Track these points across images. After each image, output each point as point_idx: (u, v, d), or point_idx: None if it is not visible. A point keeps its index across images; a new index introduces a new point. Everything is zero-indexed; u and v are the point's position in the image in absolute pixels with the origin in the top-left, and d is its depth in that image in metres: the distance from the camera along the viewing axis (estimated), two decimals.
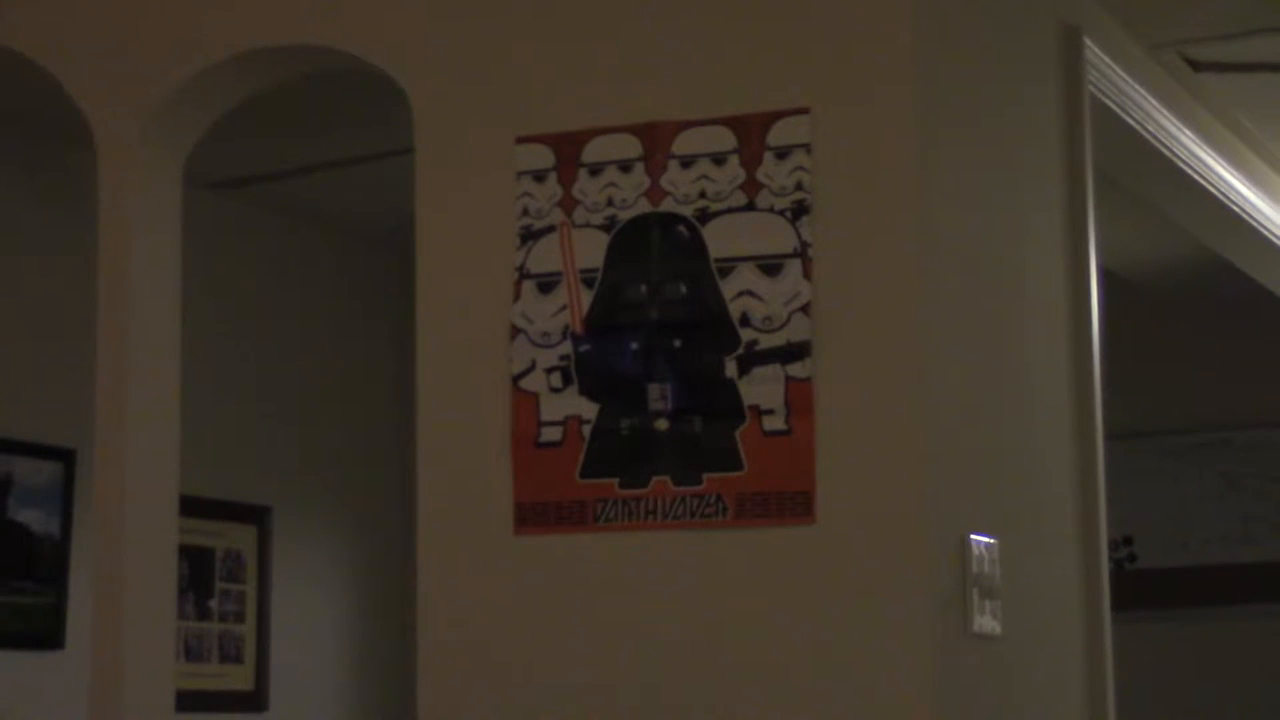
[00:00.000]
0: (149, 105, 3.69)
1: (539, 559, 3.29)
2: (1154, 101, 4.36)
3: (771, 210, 3.22)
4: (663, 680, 3.20)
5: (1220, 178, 4.85)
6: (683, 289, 3.25)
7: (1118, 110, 4.13)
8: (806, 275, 3.19)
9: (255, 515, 5.79)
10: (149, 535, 3.68)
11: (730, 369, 3.20)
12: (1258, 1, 4.28)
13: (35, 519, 5.12)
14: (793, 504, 3.15)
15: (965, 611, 3.21)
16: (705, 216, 3.25)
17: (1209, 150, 4.76)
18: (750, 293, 3.20)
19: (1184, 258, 6.08)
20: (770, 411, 3.18)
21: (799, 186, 3.21)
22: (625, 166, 3.31)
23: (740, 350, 3.20)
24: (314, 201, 5.86)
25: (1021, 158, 3.70)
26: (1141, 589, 6.73)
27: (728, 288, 3.22)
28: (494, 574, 3.32)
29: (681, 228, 3.26)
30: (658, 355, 3.24)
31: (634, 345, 3.26)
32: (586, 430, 3.27)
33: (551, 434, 3.29)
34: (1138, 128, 4.27)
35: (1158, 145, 4.41)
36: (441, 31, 3.48)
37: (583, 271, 3.31)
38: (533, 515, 3.29)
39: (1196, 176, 4.69)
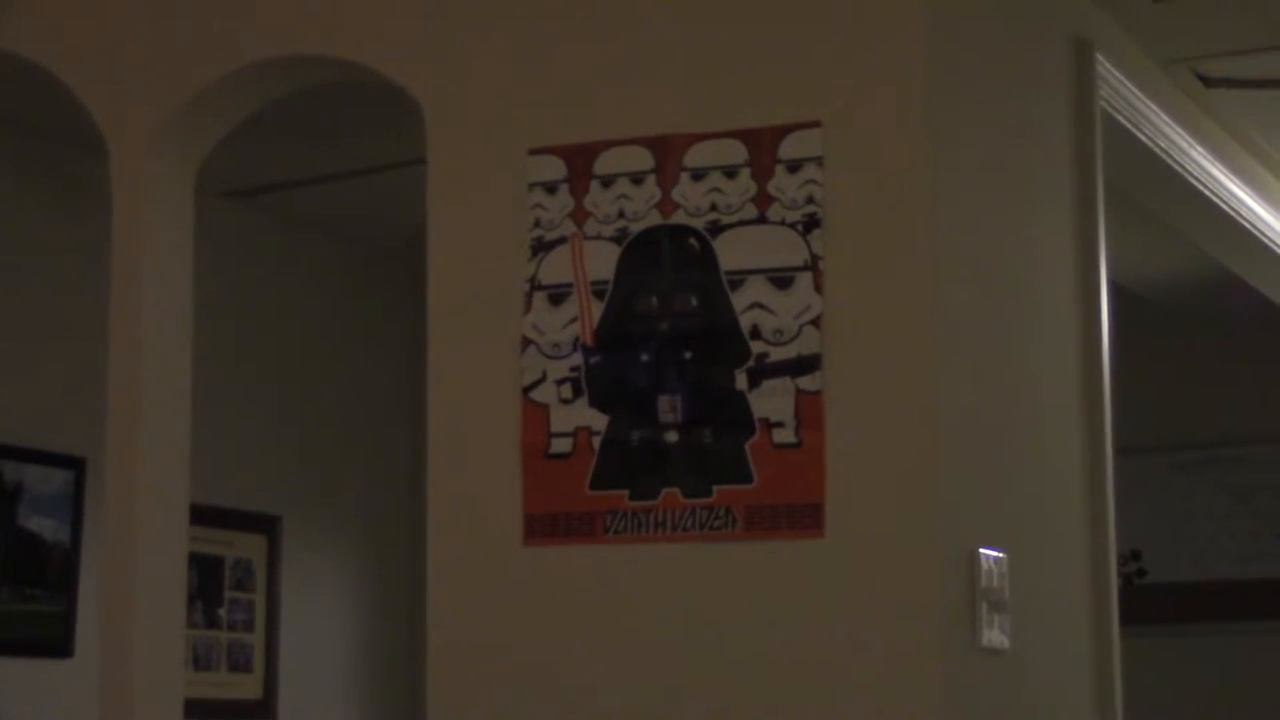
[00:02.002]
0: (162, 114, 3.70)
1: (548, 570, 3.30)
2: (1165, 117, 4.36)
3: (783, 223, 3.23)
4: (672, 692, 3.20)
5: (1231, 193, 4.85)
6: (693, 301, 3.25)
7: (1129, 125, 4.13)
8: (817, 288, 3.20)
9: (265, 524, 5.80)
10: (159, 543, 3.69)
11: (740, 381, 3.21)
12: (1271, 18, 4.28)
13: (46, 527, 5.13)
14: (802, 517, 3.15)
15: (974, 625, 3.21)
16: (716, 229, 3.26)
17: (1220, 166, 4.77)
18: (761, 305, 3.21)
19: (1195, 273, 6.08)
20: (780, 424, 3.18)
21: (810, 200, 3.22)
22: (637, 178, 3.32)
23: (751, 363, 3.20)
24: (326, 211, 5.87)
25: (1033, 172, 3.70)
26: (1151, 604, 6.73)
27: (738, 300, 3.22)
28: (503, 585, 3.33)
29: (692, 240, 3.27)
30: (668, 367, 3.25)
31: (644, 357, 3.26)
32: (596, 442, 3.27)
33: (561, 445, 3.29)
34: (1149, 143, 4.28)
35: (1169, 161, 4.42)
36: (455, 43, 3.49)
37: (594, 283, 3.31)
38: (542, 526, 3.29)
39: (1208, 192, 4.69)
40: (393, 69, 3.54)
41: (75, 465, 5.17)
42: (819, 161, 3.22)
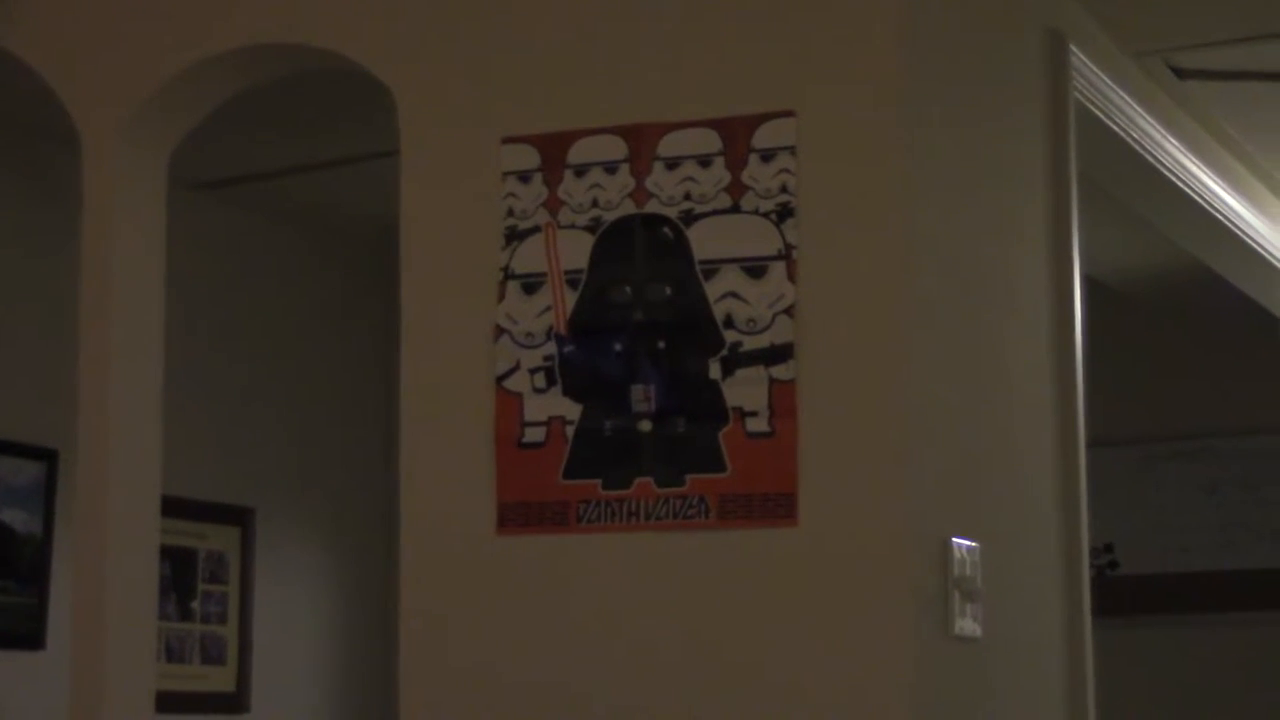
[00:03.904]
0: (134, 103, 3.69)
1: (521, 559, 3.29)
2: (1138, 108, 4.37)
3: (756, 212, 3.23)
4: (644, 681, 3.20)
5: (1204, 185, 4.85)
6: (667, 291, 3.25)
7: (1102, 116, 4.14)
8: (790, 278, 3.20)
9: (238, 516, 5.78)
10: (131, 536, 3.68)
11: (714, 371, 3.21)
12: (1243, 9, 4.29)
13: (17, 519, 5.11)
14: (775, 506, 3.15)
15: (946, 614, 3.21)
16: (690, 218, 3.26)
17: (1193, 157, 4.77)
18: (734, 295, 3.21)
19: (1167, 265, 6.09)
20: (753, 413, 3.18)
21: (784, 189, 3.22)
22: (610, 168, 3.31)
23: (724, 352, 3.20)
24: (299, 202, 5.86)
25: (1006, 163, 3.71)
26: (1123, 596, 6.75)
27: (712, 289, 3.22)
28: (476, 574, 3.32)
29: (666, 229, 3.27)
30: (641, 356, 3.25)
31: (618, 346, 3.26)
32: (570, 431, 3.27)
33: (535, 434, 3.29)
34: (1122, 134, 4.28)
35: (1142, 152, 4.42)
36: (428, 31, 3.48)
37: (567, 272, 3.31)
38: (515, 516, 3.29)
39: (1180, 183, 4.70)
40: (366, 58, 3.53)
41: (47, 457, 5.16)
42: (792, 151, 3.22)
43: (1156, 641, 6.83)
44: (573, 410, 3.27)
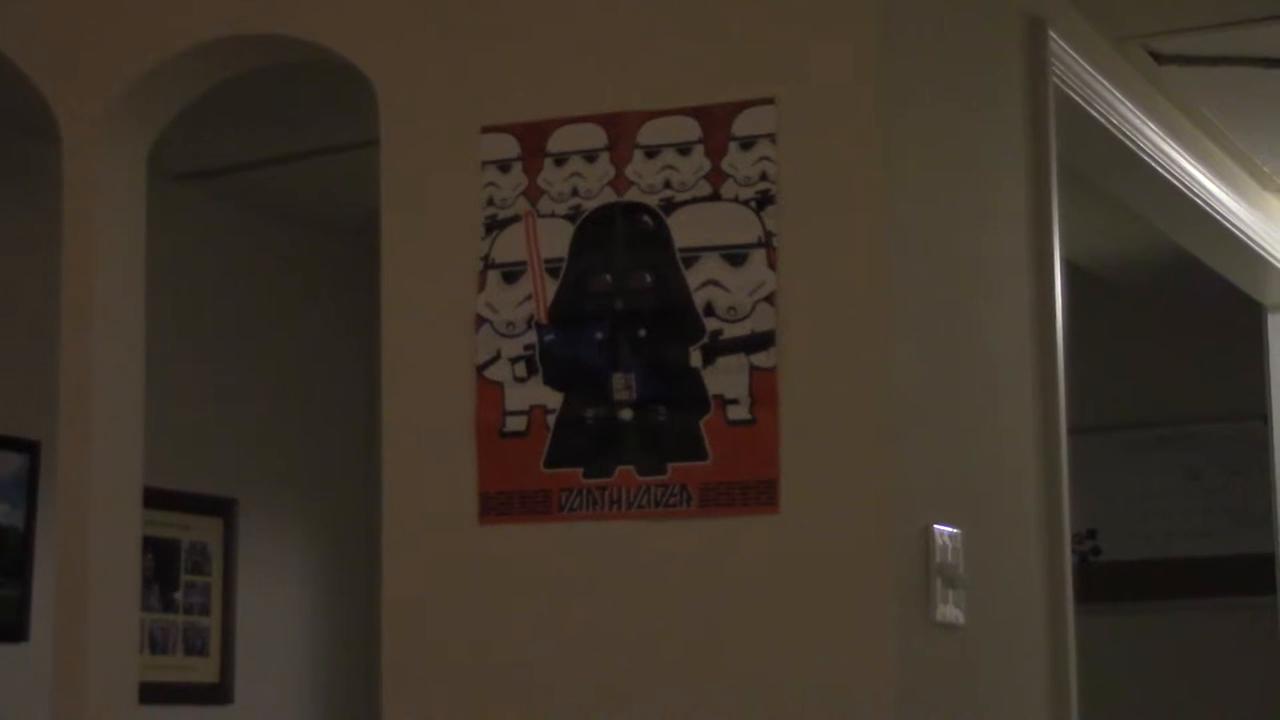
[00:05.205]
0: (114, 94, 3.68)
1: (503, 549, 3.29)
2: (1118, 94, 4.37)
3: (736, 200, 3.23)
4: (627, 669, 3.21)
5: (1184, 171, 4.86)
6: (647, 279, 3.25)
7: (1082, 102, 4.14)
8: (771, 265, 3.20)
9: (221, 507, 5.78)
10: (113, 527, 3.67)
11: (695, 359, 3.21)
12: None
13: (0, 511, 5.10)
14: (757, 493, 3.16)
15: (928, 601, 3.21)
16: (670, 206, 3.26)
17: (1173, 143, 4.78)
18: (715, 282, 3.21)
19: (1147, 251, 6.10)
20: (734, 401, 3.18)
21: (764, 177, 3.22)
22: (590, 156, 3.31)
23: (705, 340, 3.21)
24: (279, 193, 5.85)
25: (986, 149, 3.71)
26: (1106, 582, 6.76)
27: (692, 277, 3.22)
28: (458, 564, 3.33)
29: (646, 217, 3.27)
30: (622, 345, 3.25)
31: (598, 335, 3.26)
32: (551, 420, 3.27)
33: (516, 424, 3.29)
34: (1102, 120, 4.29)
35: (1122, 138, 4.43)
36: (407, 21, 3.48)
37: (547, 261, 3.31)
38: (497, 505, 3.29)
39: (1160, 169, 4.71)
40: (345, 47, 3.53)
41: (30, 449, 5.15)
42: (772, 138, 3.23)
43: (1139, 627, 6.84)
44: (554, 399, 3.27)
